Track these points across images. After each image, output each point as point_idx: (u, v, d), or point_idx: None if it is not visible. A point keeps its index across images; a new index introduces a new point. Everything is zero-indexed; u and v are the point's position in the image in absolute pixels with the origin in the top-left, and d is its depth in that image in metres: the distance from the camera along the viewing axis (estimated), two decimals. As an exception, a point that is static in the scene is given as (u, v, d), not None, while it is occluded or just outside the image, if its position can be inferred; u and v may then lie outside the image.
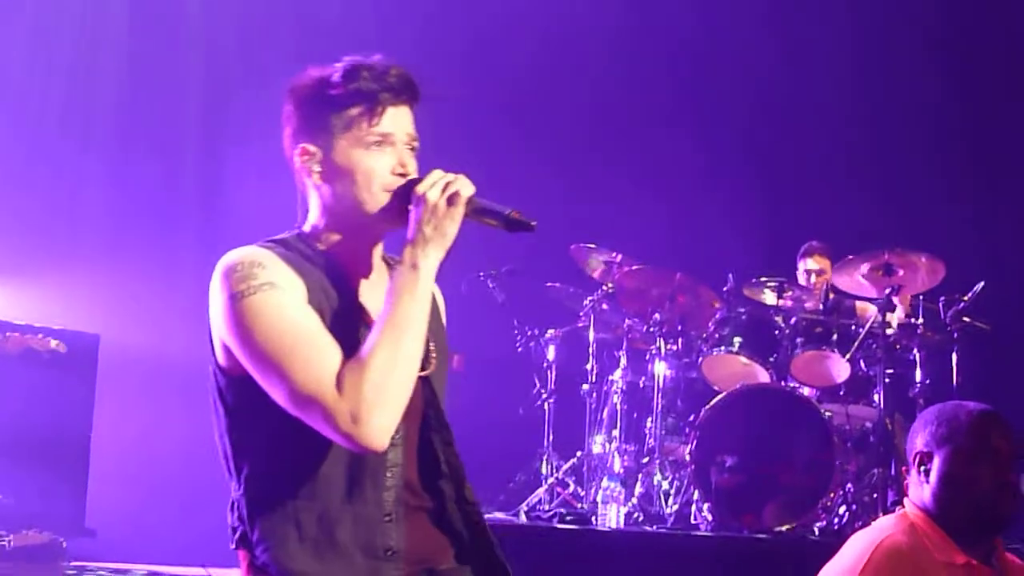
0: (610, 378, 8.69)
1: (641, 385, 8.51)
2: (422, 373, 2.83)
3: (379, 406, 2.64)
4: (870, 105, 10.28)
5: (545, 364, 9.02)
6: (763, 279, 8.41)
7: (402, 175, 2.86)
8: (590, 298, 8.68)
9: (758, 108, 10.47)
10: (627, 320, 8.72)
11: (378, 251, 2.99)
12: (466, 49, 10.58)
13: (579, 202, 10.25)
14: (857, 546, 3.35)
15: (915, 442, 3.46)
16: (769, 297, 8.43)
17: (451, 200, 2.79)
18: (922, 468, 3.41)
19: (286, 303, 2.72)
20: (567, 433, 8.90)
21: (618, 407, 8.48)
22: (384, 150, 2.85)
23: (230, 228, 10.27)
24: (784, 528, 7.36)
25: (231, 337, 2.73)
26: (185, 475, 9.78)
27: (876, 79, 10.31)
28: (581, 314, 8.87)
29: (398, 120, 2.88)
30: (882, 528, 3.41)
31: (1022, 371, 9.42)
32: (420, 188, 2.80)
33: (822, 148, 10.30)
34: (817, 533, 7.37)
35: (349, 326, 2.79)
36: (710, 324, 8.26)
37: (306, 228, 2.95)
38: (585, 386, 8.70)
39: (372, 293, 2.92)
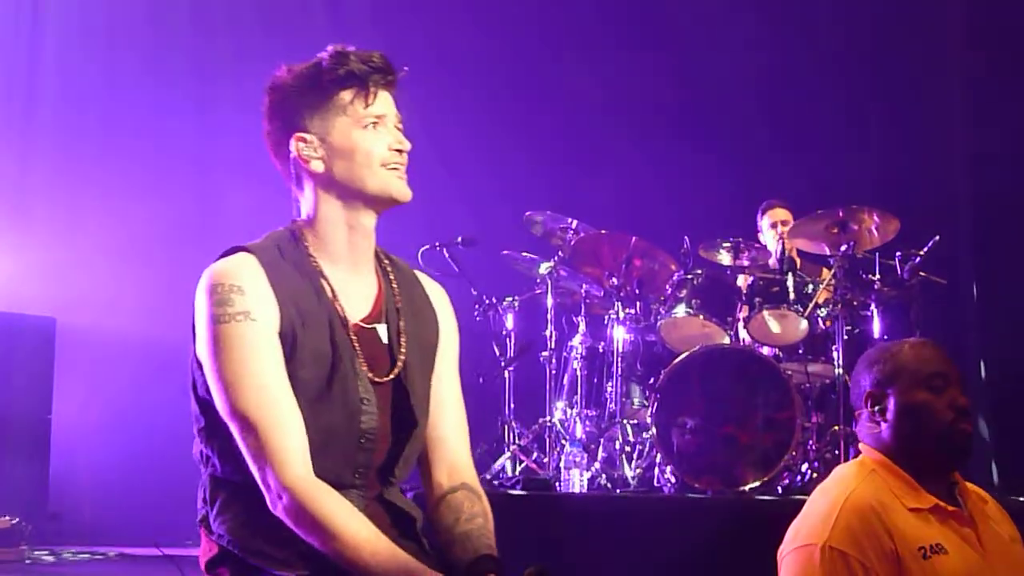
0: (569, 344, 8.69)
1: (600, 350, 8.51)
2: (382, 379, 2.97)
3: (304, 511, 2.74)
4: (820, 63, 10.27)
5: (504, 332, 9.00)
6: (719, 240, 8.43)
7: (399, 151, 2.99)
8: (546, 265, 8.66)
9: (710, 70, 10.45)
10: (584, 285, 8.72)
11: (370, 243, 3.07)
12: (418, 14, 10.59)
13: (533, 169, 10.24)
14: (822, 503, 3.31)
15: (862, 384, 3.45)
16: (725, 258, 8.44)
17: None
18: (876, 408, 3.40)
19: (255, 339, 2.81)
20: (528, 401, 8.90)
21: (578, 373, 8.47)
22: (379, 130, 2.98)
23: (185, 211, 10.24)
24: (747, 488, 7.39)
25: (203, 352, 2.86)
26: (148, 455, 9.76)
27: (829, 37, 10.30)
28: (538, 281, 8.86)
29: (388, 101, 3.02)
30: (845, 481, 3.37)
31: (980, 325, 9.49)
32: None
33: (773, 107, 10.30)
34: (780, 492, 7.41)
35: (322, 332, 2.90)
36: (667, 287, 8.26)
37: (300, 222, 3.05)
38: (544, 353, 8.69)
39: (356, 290, 3.02)
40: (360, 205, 2.98)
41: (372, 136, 2.96)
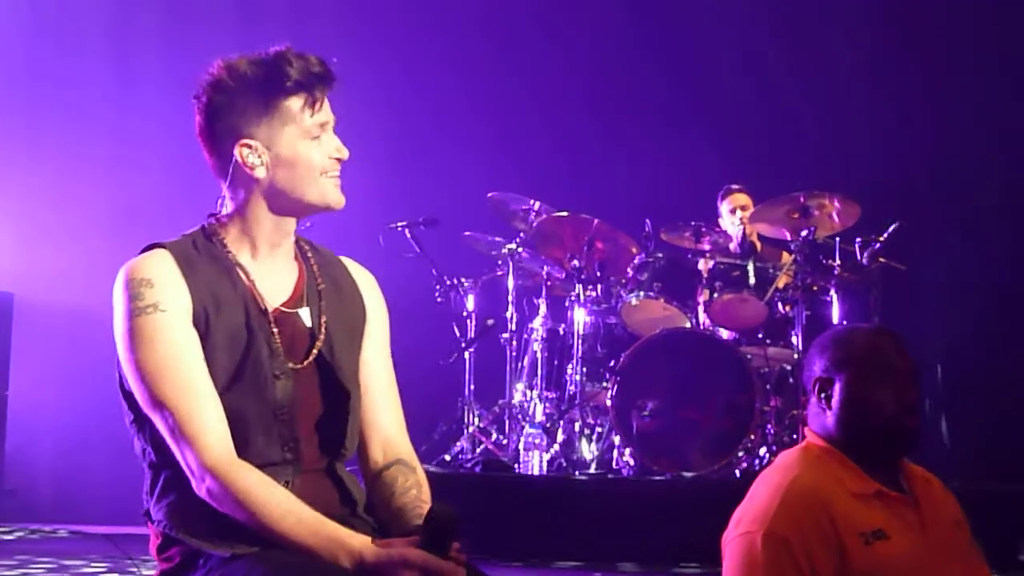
0: (530, 326, 8.70)
1: (561, 332, 8.52)
2: (302, 360, 2.98)
3: (225, 491, 2.76)
4: (783, 45, 10.27)
5: (465, 313, 8.99)
6: (681, 224, 8.46)
7: (338, 159, 3.00)
8: (508, 246, 8.66)
9: (672, 53, 10.45)
10: (545, 267, 8.72)
11: (291, 236, 3.08)
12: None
13: (496, 150, 10.22)
14: (765, 489, 3.28)
15: (812, 369, 3.41)
16: (687, 242, 8.47)
17: None
18: (823, 395, 3.36)
19: (166, 329, 2.85)
20: (488, 382, 8.90)
21: (538, 355, 8.49)
22: (321, 138, 2.98)
23: (148, 187, 10.17)
24: (706, 471, 7.42)
25: (120, 347, 2.88)
26: (105, 432, 9.70)
27: (792, 19, 10.31)
28: (499, 262, 8.85)
29: (327, 105, 3.01)
30: (788, 466, 3.34)
31: (940, 311, 9.53)
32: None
33: (736, 92, 10.30)
34: (739, 475, 7.44)
35: (237, 317, 2.93)
36: (629, 270, 8.28)
37: (221, 218, 3.05)
38: (505, 334, 8.69)
39: (276, 277, 3.05)
40: (294, 211, 3.02)
41: (315, 146, 2.97)
